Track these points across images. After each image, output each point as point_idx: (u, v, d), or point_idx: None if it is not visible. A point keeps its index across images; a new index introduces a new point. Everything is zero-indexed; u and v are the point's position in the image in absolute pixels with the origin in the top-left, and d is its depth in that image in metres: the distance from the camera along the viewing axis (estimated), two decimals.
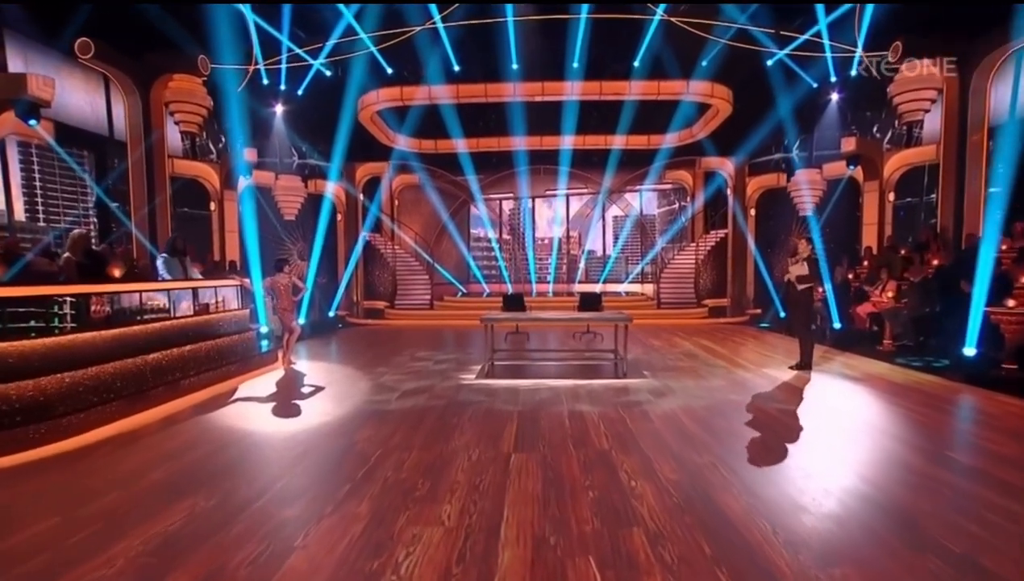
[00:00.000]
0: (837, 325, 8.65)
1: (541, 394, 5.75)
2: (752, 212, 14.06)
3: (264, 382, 6.54)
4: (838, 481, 3.36)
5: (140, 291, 5.49)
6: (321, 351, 9.25)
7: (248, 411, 5.25)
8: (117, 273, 6.12)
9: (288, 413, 5.22)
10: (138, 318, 5.45)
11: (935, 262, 8.38)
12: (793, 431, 4.49)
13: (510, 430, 4.51)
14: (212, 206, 11.71)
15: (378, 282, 15.27)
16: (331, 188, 14.27)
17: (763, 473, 3.54)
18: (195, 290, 6.25)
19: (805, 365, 6.66)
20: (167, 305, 5.79)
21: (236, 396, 5.81)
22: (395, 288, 14.80)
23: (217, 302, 6.69)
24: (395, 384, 6.36)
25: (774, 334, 10.49)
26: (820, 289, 9.46)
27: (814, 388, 6.01)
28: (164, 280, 6.21)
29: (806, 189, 12.10)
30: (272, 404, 5.54)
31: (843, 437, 4.31)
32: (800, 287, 6.52)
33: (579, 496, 3.16)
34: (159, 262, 6.53)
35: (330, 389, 6.23)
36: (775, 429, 4.53)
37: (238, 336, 6.91)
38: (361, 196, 15.13)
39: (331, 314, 12.54)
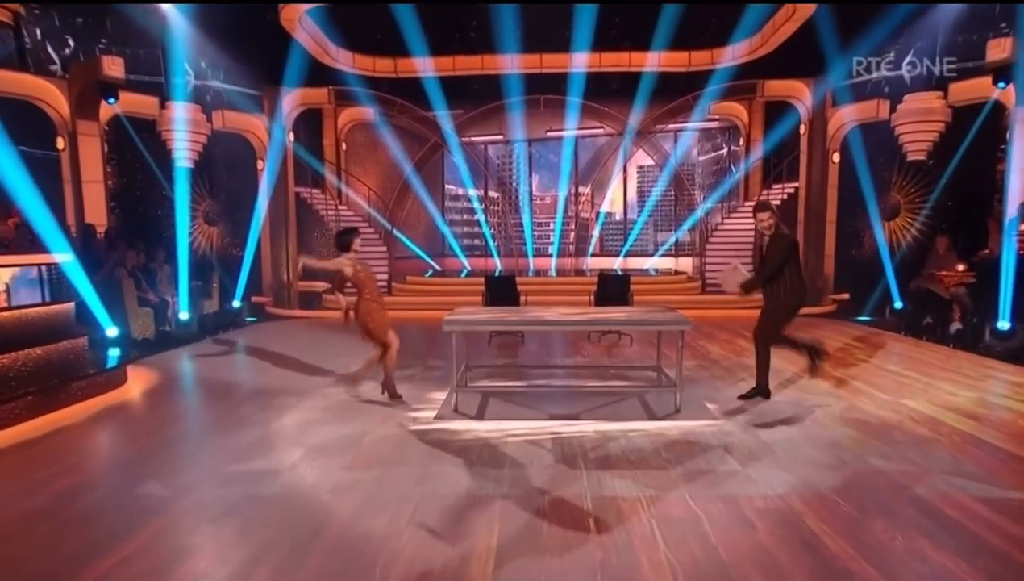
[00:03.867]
0: (1006, 325, 6.81)
1: (543, 455, 3.98)
2: (836, 157, 12.20)
3: (74, 427, 4.69)
4: None
5: None
6: (205, 363, 7.34)
7: None
8: None
9: (54, 511, 3.33)
10: None
11: None
12: None
13: (485, 556, 2.73)
14: (60, 144, 9.66)
15: (316, 256, 13.41)
16: (247, 123, 12.29)
17: None
18: None
19: None
20: None
21: None
22: None
23: None
24: (298, 433, 4.52)
25: (887, 333, 8.68)
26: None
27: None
28: None
29: (921, 121, 10.20)
30: (41, 482, 3.64)
31: None
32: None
33: None
34: None
35: (176, 443, 4.44)
36: (1010, 553, 2.70)
37: (40, 350, 5.02)
38: (291, 137, 13.13)
39: (236, 303, 10.57)
